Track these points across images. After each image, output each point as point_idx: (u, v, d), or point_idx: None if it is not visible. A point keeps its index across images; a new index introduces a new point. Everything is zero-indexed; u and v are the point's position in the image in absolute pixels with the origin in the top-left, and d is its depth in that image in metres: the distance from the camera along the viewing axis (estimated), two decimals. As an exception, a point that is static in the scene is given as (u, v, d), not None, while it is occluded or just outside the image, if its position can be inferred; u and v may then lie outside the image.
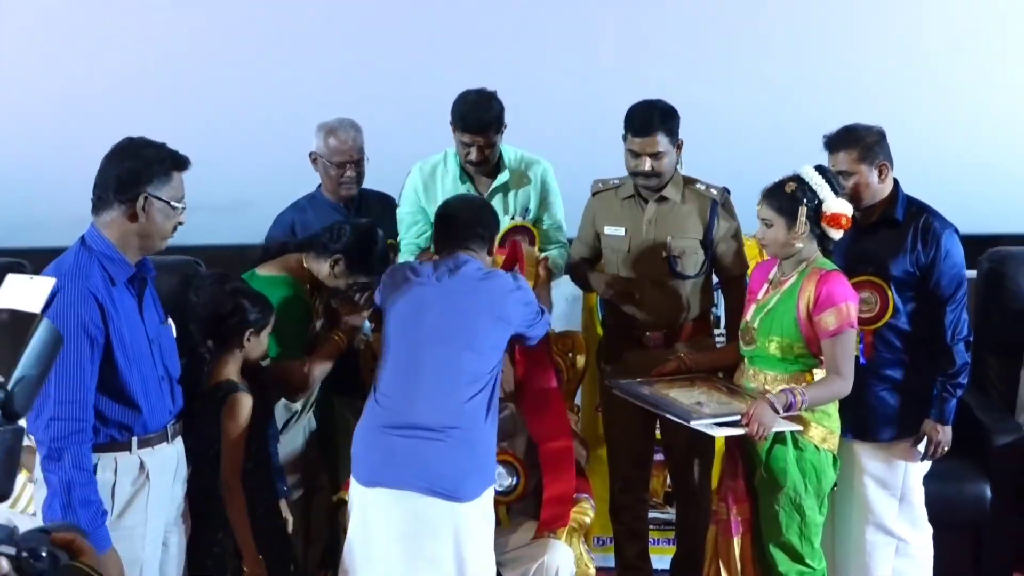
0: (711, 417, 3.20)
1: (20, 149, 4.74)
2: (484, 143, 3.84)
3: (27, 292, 1.44)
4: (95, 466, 2.79)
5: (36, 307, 1.42)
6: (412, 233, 4.01)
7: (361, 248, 3.48)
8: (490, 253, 3.39)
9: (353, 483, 3.16)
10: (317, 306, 3.58)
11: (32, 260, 4.22)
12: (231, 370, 3.19)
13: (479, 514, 3.11)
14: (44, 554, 1.31)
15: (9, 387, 1.36)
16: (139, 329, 2.86)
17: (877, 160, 3.47)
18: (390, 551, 3.09)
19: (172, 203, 2.81)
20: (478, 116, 3.82)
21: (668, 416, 3.32)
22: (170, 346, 3.02)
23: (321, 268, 3.48)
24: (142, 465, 2.86)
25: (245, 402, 3.13)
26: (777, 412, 3.15)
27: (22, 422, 1.45)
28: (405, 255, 3.96)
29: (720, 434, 3.22)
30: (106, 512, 2.75)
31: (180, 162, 2.84)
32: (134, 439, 2.84)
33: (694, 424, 3.17)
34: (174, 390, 2.98)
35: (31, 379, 1.38)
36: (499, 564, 3.47)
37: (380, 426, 3.13)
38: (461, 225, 3.35)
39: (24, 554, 1.29)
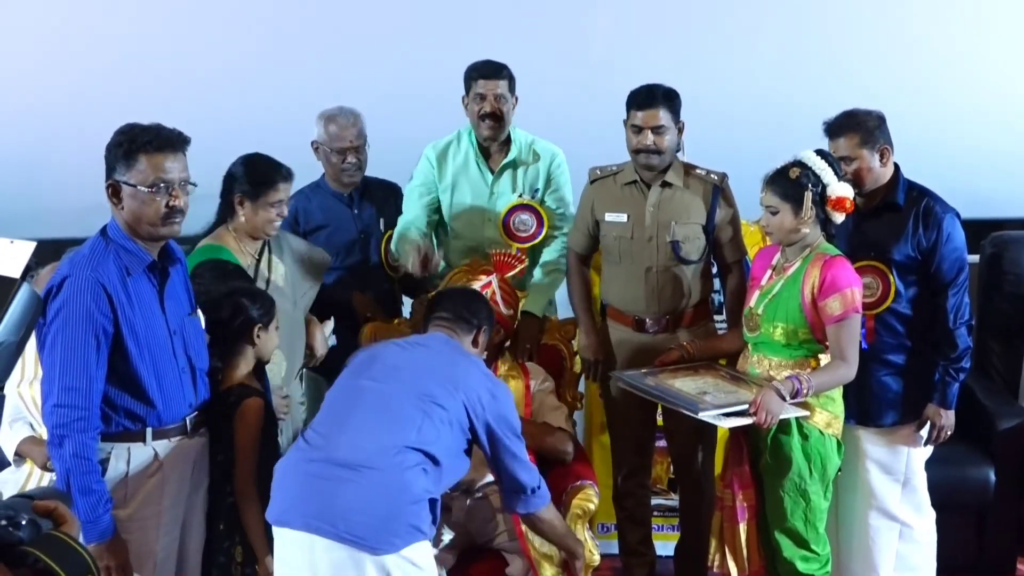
0: (718, 407, 3.18)
1: (25, 140, 4.74)
2: (498, 93, 3.91)
3: (7, 257, 1.41)
4: (109, 455, 2.80)
5: (16, 272, 1.38)
6: (421, 203, 4.00)
7: (238, 178, 3.46)
8: (475, 344, 3.22)
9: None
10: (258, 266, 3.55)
11: (38, 251, 4.21)
12: (242, 372, 3.16)
13: (402, 573, 2.70)
14: (24, 522, 1.29)
15: None
16: (158, 319, 2.85)
17: (878, 144, 3.47)
18: None
19: (139, 187, 2.74)
20: (492, 63, 3.93)
21: (675, 408, 3.31)
22: (196, 337, 2.99)
23: (242, 219, 3.48)
24: (156, 456, 2.86)
25: (256, 407, 3.09)
26: (784, 399, 3.14)
27: (6, 391, 1.41)
28: (407, 225, 3.93)
29: (728, 425, 3.20)
30: (111, 501, 2.74)
31: (150, 144, 2.74)
32: (148, 430, 2.84)
33: (702, 416, 3.16)
34: (197, 382, 2.96)
35: (10, 345, 1.35)
36: (505, 551, 3.50)
37: (297, 460, 2.83)
38: (449, 306, 3.23)
39: (3, 522, 1.28)
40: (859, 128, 3.45)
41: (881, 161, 3.48)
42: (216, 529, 3.07)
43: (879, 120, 3.49)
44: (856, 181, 3.41)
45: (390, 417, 2.83)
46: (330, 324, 3.82)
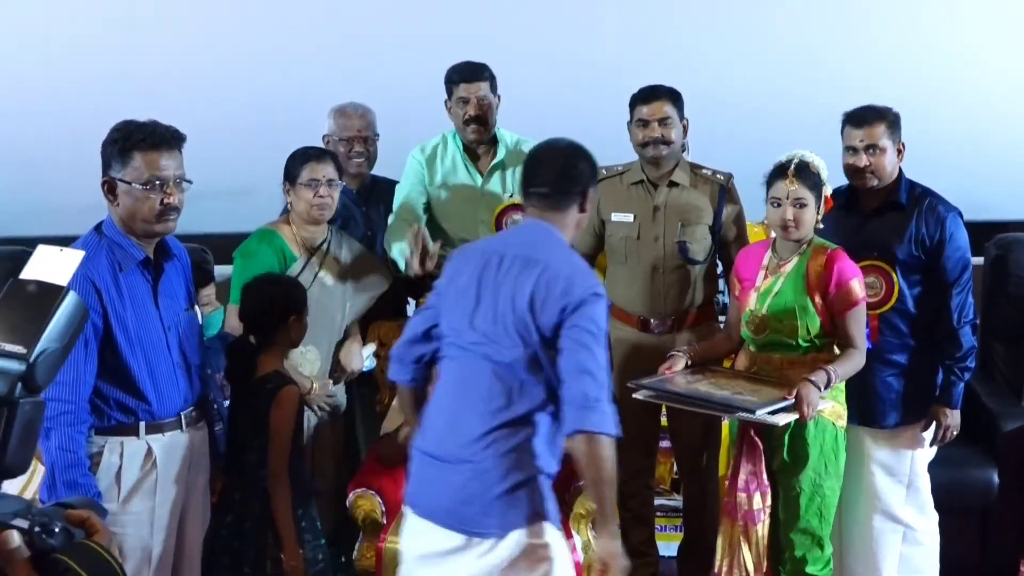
0: (765, 407, 3.10)
1: (27, 137, 4.74)
2: (481, 96, 3.89)
3: (56, 264, 1.43)
4: (103, 449, 2.81)
5: (63, 280, 1.40)
6: (413, 197, 3.94)
7: (286, 164, 3.62)
8: (582, 210, 2.77)
9: None
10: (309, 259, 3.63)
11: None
12: (277, 360, 3.26)
13: (506, 556, 2.61)
14: (57, 530, 1.29)
15: (31, 359, 1.34)
16: (151, 315, 2.86)
17: (898, 138, 3.48)
18: None
19: (134, 184, 2.75)
20: (471, 65, 3.91)
21: (716, 412, 3.26)
22: (191, 333, 3.00)
23: (291, 205, 3.63)
24: (149, 451, 2.87)
25: (294, 394, 3.19)
26: (820, 391, 3.14)
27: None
28: (398, 213, 3.89)
29: (781, 422, 3.12)
30: (99, 496, 2.75)
31: (144, 142, 2.76)
32: (142, 424, 2.85)
33: (759, 415, 3.07)
34: (192, 378, 2.97)
35: (54, 352, 1.36)
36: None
37: (416, 445, 2.75)
38: (547, 175, 2.74)
39: (36, 528, 1.28)
40: (885, 118, 3.46)
41: (898, 156, 3.48)
42: (252, 512, 3.14)
43: (897, 116, 3.50)
44: (876, 172, 3.43)
45: (483, 392, 2.63)
46: (371, 347, 3.85)
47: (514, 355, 2.62)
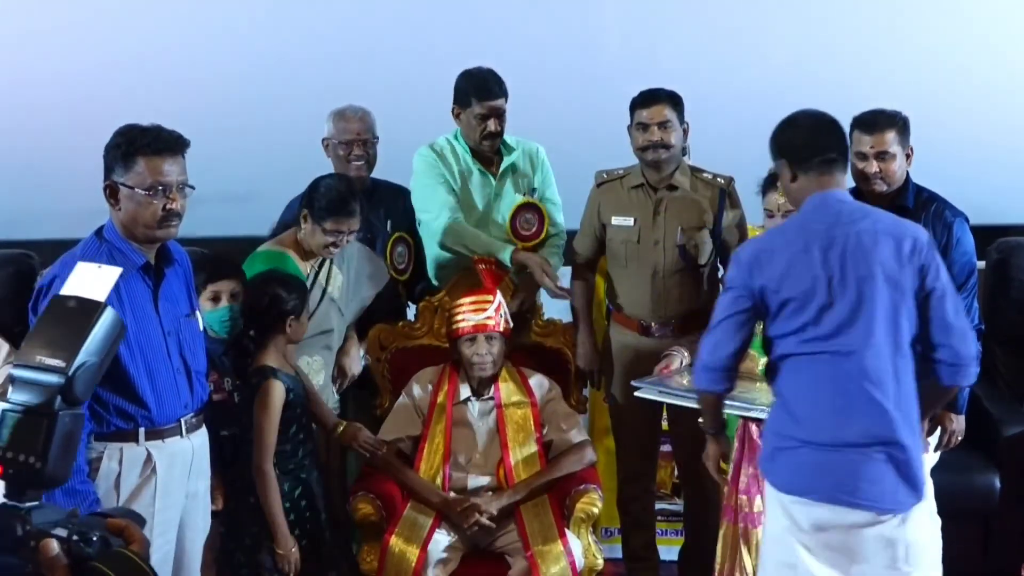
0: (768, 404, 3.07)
1: (28, 140, 4.72)
2: (501, 111, 3.88)
3: (94, 280, 1.47)
4: (102, 455, 2.79)
5: (102, 295, 1.45)
6: (451, 196, 3.90)
7: (312, 194, 3.55)
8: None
9: (770, 488, 2.87)
10: (317, 275, 3.62)
11: (40, 252, 4.22)
12: (271, 356, 3.31)
13: (913, 525, 2.78)
14: (95, 538, 1.32)
15: (70, 372, 1.37)
16: (151, 321, 2.84)
17: (907, 143, 3.47)
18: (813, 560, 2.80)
19: (136, 189, 2.74)
20: (496, 81, 3.88)
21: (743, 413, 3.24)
22: (193, 339, 2.98)
23: (304, 234, 3.57)
24: (149, 457, 2.85)
25: (276, 388, 3.23)
26: None
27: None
28: (455, 217, 3.85)
29: None
30: (97, 502, 2.72)
31: (148, 147, 2.74)
32: (141, 430, 2.83)
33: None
34: (193, 384, 2.95)
35: (92, 365, 1.40)
36: (507, 553, 3.49)
37: (800, 440, 2.76)
38: (828, 142, 2.79)
39: (75, 537, 1.31)
40: (895, 124, 3.44)
41: (906, 161, 3.48)
42: (245, 504, 3.23)
43: (906, 120, 3.49)
44: (886, 178, 3.41)
45: (875, 382, 2.70)
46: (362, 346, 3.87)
47: (890, 334, 2.69)
